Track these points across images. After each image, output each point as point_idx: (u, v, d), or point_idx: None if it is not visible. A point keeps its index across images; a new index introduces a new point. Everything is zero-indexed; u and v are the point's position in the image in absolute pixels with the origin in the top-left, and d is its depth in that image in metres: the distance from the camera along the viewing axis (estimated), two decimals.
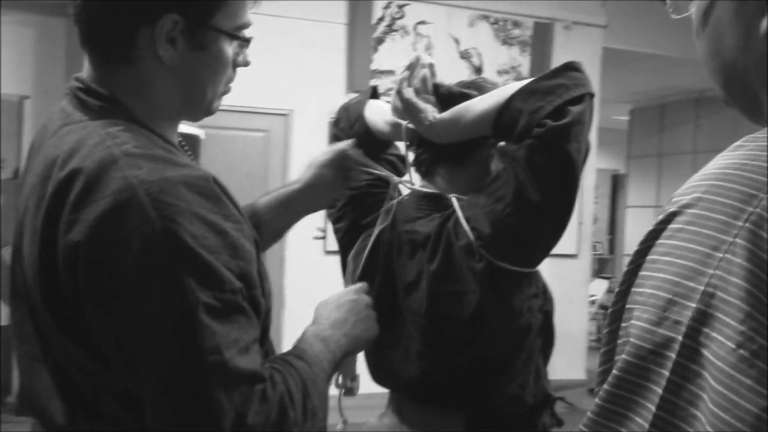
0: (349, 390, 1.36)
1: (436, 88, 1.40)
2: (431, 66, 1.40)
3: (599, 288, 8.70)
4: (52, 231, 0.87)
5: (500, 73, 5.61)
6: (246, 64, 1.07)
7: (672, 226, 0.62)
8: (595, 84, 1.60)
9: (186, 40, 0.97)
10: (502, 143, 1.33)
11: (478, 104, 1.32)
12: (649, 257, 0.64)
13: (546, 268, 1.39)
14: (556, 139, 1.22)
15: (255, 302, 0.93)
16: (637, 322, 0.61)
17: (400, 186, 1.50)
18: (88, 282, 0.85)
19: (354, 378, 1.36)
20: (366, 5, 5.34)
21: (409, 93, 1.36)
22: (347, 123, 1.55)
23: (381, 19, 5.40)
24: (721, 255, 0.56)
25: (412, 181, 1.48)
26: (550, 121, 1.22)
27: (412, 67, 1.39)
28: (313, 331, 1.13)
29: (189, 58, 0.98)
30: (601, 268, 10.92)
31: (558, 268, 5.40)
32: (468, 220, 1.30)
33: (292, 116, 5.24)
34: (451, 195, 1.38)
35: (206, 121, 1.15)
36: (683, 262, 0.59)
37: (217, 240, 0.86)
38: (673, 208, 0.63)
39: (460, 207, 1.33)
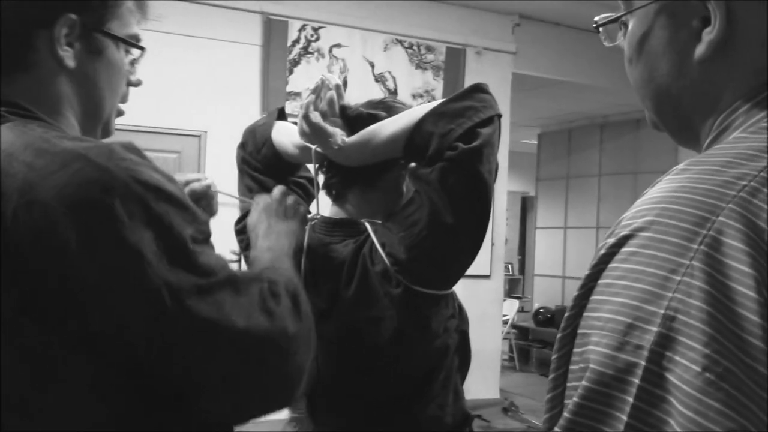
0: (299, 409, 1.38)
1: (344, 110, 1.38)
2: (338, 87, 1.37)
3: (511, 308, 8.87)
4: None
5: (414, 96, 5.69)
6: (138, 83, 1.07)
7: (625, 249, 0.61)
8: (505, 108, 1.64)
9: (83, 44, 0.96)
10: (412, 165, 1.35)
11: (388, 127, 1.32)
12: (602, 281, 0.63)
13: (460, 289, 1.39)
14: (468, 161, 1.23)
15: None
16: (596, 348, 0.60)
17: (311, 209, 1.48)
18: (66, 252, 0.79)
19: None
20: (281, 27, 5.34)
21: (316, 117, 1.33)
22: (254, 146, 1.52)
23: (296, 41, 5.40)
24: (679, 278, 0.56)
25: (318, 212, 1.45)
26: (461, 143, 1.23)
27: (317, 90, 1.36)
28: (254, 254, 1.19)
29: (86, 61, 0.97)
30: (512, 288, 11.16)
31: (472, 288, 5.48)
32: (383, 245, 1.29)
33: (205, 137, 5.16)
34: (364, 220, 1.36)
35: (116, 141, 1.12)
36: (641, 285, 0.58)
37: (173, 185, 0.87)
38: (625, 231, 0.62)
39: (374, 232, 1.32)
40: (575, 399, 0.61)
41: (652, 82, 0.75)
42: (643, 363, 0.56)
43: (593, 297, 0.63)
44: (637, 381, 0.56)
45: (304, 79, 5.37)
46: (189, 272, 0.83)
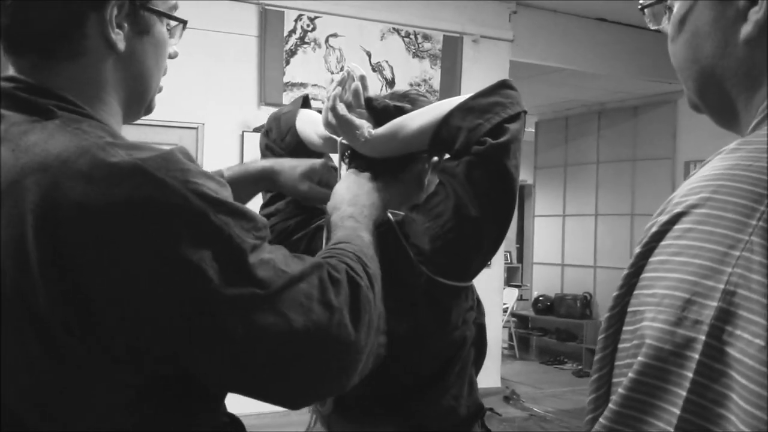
0: (325, 408, 1.37)
1: (369, 101, 1.37)
2: (362, 78, 1.37)
3: (510, 296, 8.89)
4: (50, 239, 0.78)
5: (412, 85, 5.67)
6: (175, 55, 1.05)
7: (679, 226, 0.62)
8: None
9: (131, 24, 0.94)
10: (435, 158, 1.37)
11: (415, 120, 1.32)
12: (654, 258, 0.63)
13: None
14: (495, 156, 1.25)
15: None
16: (653, 323, 0.60)
17: None
18: (126, 271, 0.78)
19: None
20: (277, 17, 5.32)
21: (342, 109, 1.33)
22: (278, 134, 1.51)
23: (292, 32, 5.38)
24: (738, 253, 0.56)
25: None
26: (489, 138, 1.25)
27: (343, 81, 1.36)
28: (338, 216, 1.21)
29: (135, 43, 0.95)
30: (510, 276, 11.17)
31: None
32: (407, 236, 1.30)
33: (202, 129, 5.16)
34: (390, 212, 1.37)
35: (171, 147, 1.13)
36: (699, 261, 0.59)
37: (227, 191, 0.87)
38: (678, 209, 0.63)
39: (397, 224, 1.33)
40: (630, 375, 0.61)
41: (696, 63, 0.74)
42: (702, 338, 0.56)
43: (645, 275, 0.63)
44: (696, 356, 0.56)
45: (300, 69, 5.36)
46: (249, 285, 0.83)
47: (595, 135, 8.82)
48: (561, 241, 9.24)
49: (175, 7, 1.02)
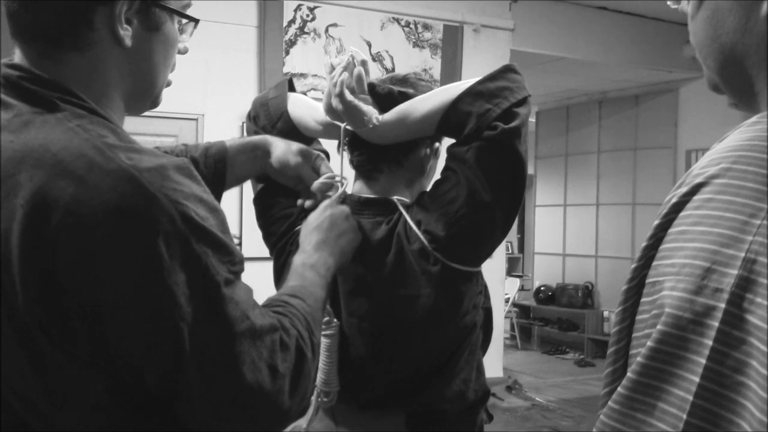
0: (329, 401, 1.37)
1: (373, 87, 1.37)
2: (364, 63, 1.36)
3: (512, 287, 8.89)
4: (34, 237, 0.78)
5: None
6: (185, 51, 1.04)
7: (698, 196, 0.62)
8: None
9: (141, 21, 0.93)
10: (437, 144, 1.40)
11: (422, 106, 1.33)
12: (673, 229, 0.64)
13: None
14: (507, 140, 1.27)
15: None
16: (672, 292, 0.61)
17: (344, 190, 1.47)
18: (102, 279, 0.79)
19: (336, 387, 1.37)
20: (276, 7, 5.29)
21: (350, 96, 1.32)
22: (268, 120, 1.49)
23: (292, 22, 5.36)
24: (759, 222, 0.57)
25: (345, 189, 1.44)
26: (500, 123, 1.26)
27: (349, 67, 1.34)
28: (300, 261, 1.21)
29: (144, 39, 0.94)
30: (511, 267, 11.17)
31: None
32: (418, 223, 1.31)
33: (202, 120, 5.14)
34: (394, 198, 1.38)
35: (172, 162, 1.12)
36: (719, 230, 0.59)
37: (215, 218, 0.87)
38: (698, 180, 0.63)
39: (407, 211, 1.34)
40: (649, 344, 0.61)
41: (716, 41, 0.73)
42: (722, 306, 0.57)
43: (663, 246, 0.64)
44: (716, 324, 0.57)
45: (300, 59, 5.33)
46: (214, 322, 0.85)
47: (596, 124, 8.80)
48: (562, 230, 9.24)
49: (187, 6, 1.01)
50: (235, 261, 0.89)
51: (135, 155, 0.82)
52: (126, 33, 0.91)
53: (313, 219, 1.31)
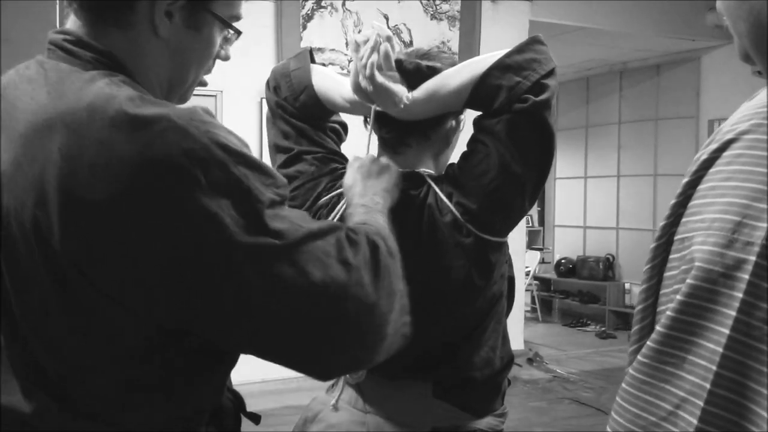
0: (359, 375, 1.39)
1: (400, 63, 1.37)
2: (389, 39, 1.34)
3: (532, 260, 8.87)
4: (66, 179, 0.80)
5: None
6: (227, 57, 1.07)
7: (728, 152, 0.62)
8: None
9: (183, 17, 0.96)
10: (462, 116, 1.42)
11: (450, 81, 1.33)
12: (702, 186, 0.63)
13: None
14: (538, 112, 1.28)
15: None
16: (702, 246, 0.61)
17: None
18: (144, 213, 0.79)
19: None
20: None
21: (381, 78, 1.31)
22: (290, 92, 1.48)
23: None
24: None
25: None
26: (531, 95, 1.27)
27: (376, 46, 1.32)
28: (349, 211, 1.20)
29: (182, 35, 0.97)
30: (532, 240, 11.13)
31: None
32: (450, 196, 1.33)
33: (221, 97, 5.15)
34: (423, 171, 1.39)
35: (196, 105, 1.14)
36: (750, 185, 0.59)
37: (246, 148, 0.88)
38: (729, 136, 0.63)
39: (436, 184, 1.35)
40: (678, 297, 0.61)
41: (752, 12, 0.71)
42: (753, 258, 0.57)
43: (693, 202, 0.64)
44: (746, 276, 0.57)
45: (318, 34, 5.31)
46: (266, 236, 0.83)
47: (617, 95, 8.71)
48: (583, 203, 9.18)
49: (236, 17, 1.03)
50: (278, 184, 0.89)
51: (161, 105, 0.85)
52: (163, 24, 0.94)
53: (347, 178, 1.33)
